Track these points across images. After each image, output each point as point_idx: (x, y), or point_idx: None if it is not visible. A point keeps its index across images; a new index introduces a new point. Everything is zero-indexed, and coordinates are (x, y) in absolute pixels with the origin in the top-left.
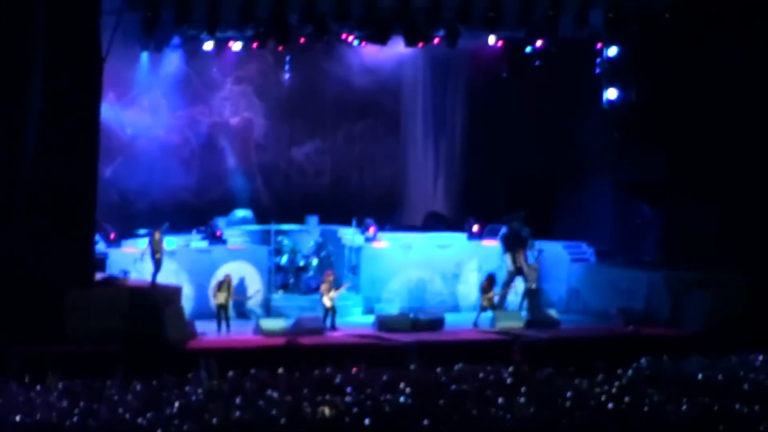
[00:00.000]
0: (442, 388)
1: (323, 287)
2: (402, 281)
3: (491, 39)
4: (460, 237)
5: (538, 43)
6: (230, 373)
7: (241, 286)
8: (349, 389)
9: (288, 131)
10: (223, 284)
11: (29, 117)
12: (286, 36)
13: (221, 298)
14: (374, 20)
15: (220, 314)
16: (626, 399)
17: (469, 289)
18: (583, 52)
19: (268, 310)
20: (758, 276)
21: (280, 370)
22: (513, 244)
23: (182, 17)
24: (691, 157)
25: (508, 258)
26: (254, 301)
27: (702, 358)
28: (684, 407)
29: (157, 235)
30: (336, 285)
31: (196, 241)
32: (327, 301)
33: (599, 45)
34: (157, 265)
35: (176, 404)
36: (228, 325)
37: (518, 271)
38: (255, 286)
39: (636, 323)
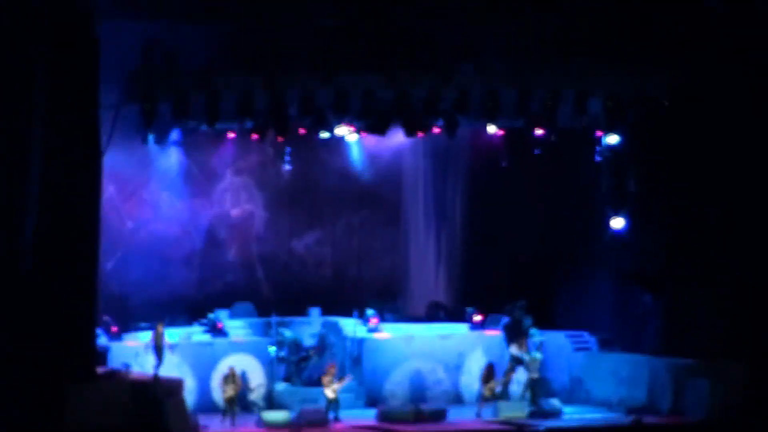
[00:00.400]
0: None
1: (325, 379)
2: (404, 372)
3: (490, 128)
4: (461, 327)
5: (538, 131)
6: None
7: (244, 379)
8: None
9: (288, 222)
10: (229, 377)
11: (28, 209)
12: (285, 128)
13: (229, 391)
14: (373, 112)
15: (227, 408)
16: None
17: (472, 379)
18: (582, 140)
19: (271, 402)
20: (760, 363)
21: None
22: (515, 334)
23: (181, 110)
24: (691, 244)
25: (513, 348)
26: (257, 393)
27: None
28: None
29: (159, 329)
30: (339, 376)
31: (197, 334)
32: (329, 393)
33: (599, 133)
34: (160, 358)
35: None
36: (233, 419)
37: (519, 361)
38: (257, 378)
39: (639, 412)
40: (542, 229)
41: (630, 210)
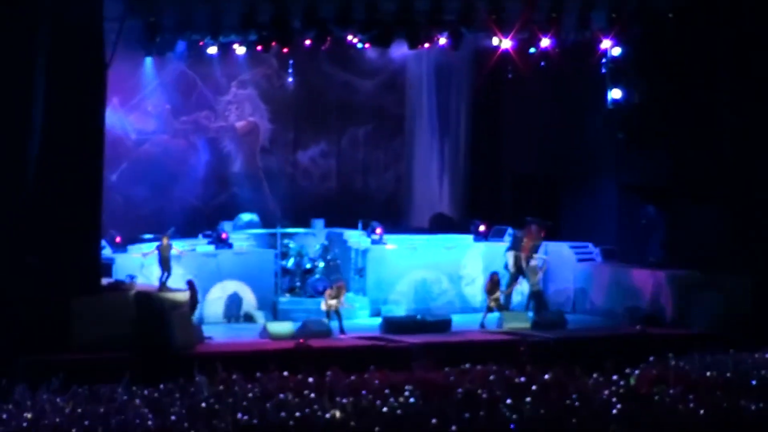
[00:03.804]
0: (450, 389)
1: (328, 293)
2: (408, 282)
3: (495, 40)
4: (465, 238)
5: (543, 43)
6: (237, 377)
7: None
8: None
9: (293, 135)
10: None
11: (33, 123)
12: (289, 40)
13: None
14: (376, 23)
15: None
16: (634, 398)
17: (476, 290)
18: (587, 52)
19: (275, 313)
20: (765, 276)
21: (287, 373)
22: (520, 245)
23: (184, 23)
24: (695, 158)
25: (510, 256)
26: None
27: (709, 356)
28: (692, 405)
29: (165, 240)
30: (345, 287)
31: (202, 246)
32: (323, 306)
33: (603, 45)
34: (167, 270)
35: (183, 409)
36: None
37: (520, 270)
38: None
39: (643, 323)
40: (546, 141)
41: (635, 122)
